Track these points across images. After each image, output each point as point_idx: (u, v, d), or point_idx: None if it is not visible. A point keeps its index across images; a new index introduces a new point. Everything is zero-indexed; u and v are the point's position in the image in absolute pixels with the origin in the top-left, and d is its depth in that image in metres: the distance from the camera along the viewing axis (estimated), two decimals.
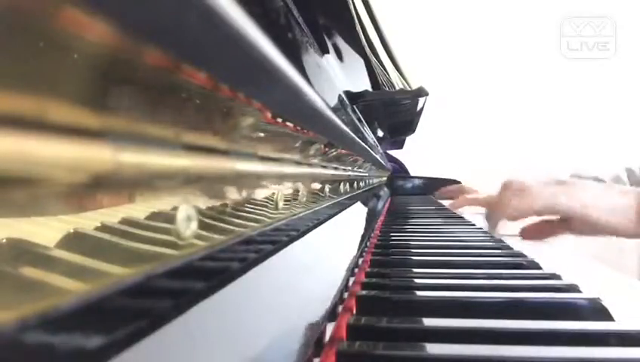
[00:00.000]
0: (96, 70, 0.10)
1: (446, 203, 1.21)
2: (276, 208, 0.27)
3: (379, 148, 1.02)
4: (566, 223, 0.72)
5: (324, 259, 0.37)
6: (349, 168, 0.61)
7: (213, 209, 0.18)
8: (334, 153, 0.44)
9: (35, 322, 0.09)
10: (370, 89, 0.77)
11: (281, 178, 0.28)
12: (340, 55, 0.59)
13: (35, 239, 0.10)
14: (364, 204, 0.76)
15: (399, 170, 1.72)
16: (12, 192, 0.09)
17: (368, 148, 0.60)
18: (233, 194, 0.20)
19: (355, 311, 0.34)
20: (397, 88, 0.90)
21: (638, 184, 0.94)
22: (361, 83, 0.74)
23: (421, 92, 0.77)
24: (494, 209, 0.77)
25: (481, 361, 0.25)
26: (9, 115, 0.08)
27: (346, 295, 0.36)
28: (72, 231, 0.11)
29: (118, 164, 0.11)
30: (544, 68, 2.24)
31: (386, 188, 1.50)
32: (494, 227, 0.78)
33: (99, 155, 0.11)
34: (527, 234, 0.79)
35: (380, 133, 1.20)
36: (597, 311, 0.33)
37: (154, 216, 0.14)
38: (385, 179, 1.49)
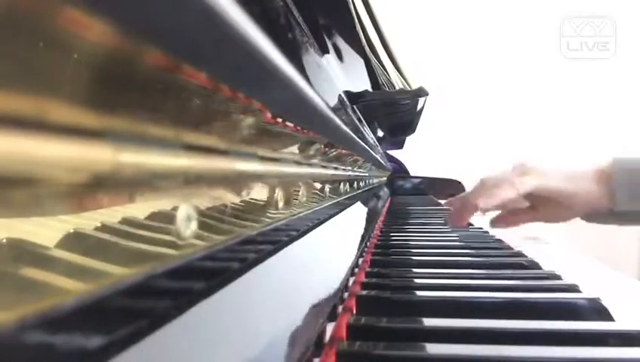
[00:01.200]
0: (97, 70, 0.10)
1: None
2: (276, 208, 0.26)
3: (379, 148, 1.02)
4: (532, 210, 0.66)
5: (324, 259, 0.37)
6: (349, 168, 0.61)
7: (213, 209, 0.18)
8: (334, 153, 0.44)
9: (35, 322, 0.09)
10: (370, 89, 0.76)
11: (281, 178, 0.28)
12: (340, 55, 0.59)
13: (35, 239, 0.10)
14: (364, 204, 0.76)
15: (399, 170, 1.72)
16: (12, 192, 0.09)
17: (368, 148, 0.60)
18: (233, 194, 0.20)
19: (355, 311, 0.34)
20: (397, 88, 0.90)
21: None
22: (361, 83, 0.74)
23: (421, 92, 0.77)
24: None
25: (481, 361, 0.25)
26: (9, 115, 0.08)
27: (346, 295, 0.36)
28: (72, 231, 0.11)
29: (118, 164, 0.11)
30: (544, 68, 2.24)
31: (385, 188, 1.50)
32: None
33: (99, 155, 0.11)
34: (498, 221, 0.75)
35: (380, 133, 1.20)
36: (597, 311, 0.33)
37: (154, 216, 0.14)
38: (385, 179, 1.49)
